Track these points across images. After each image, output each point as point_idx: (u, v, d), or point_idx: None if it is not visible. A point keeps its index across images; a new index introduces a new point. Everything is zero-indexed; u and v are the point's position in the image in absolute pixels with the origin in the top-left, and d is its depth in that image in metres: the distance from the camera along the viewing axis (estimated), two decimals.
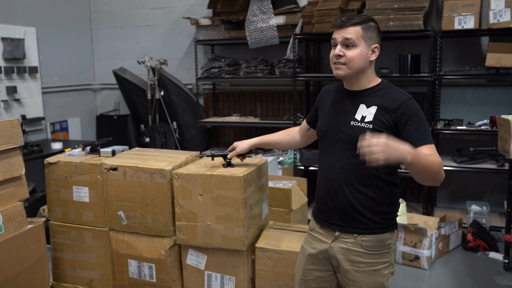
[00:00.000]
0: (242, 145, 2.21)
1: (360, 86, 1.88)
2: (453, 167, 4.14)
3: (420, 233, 3.51)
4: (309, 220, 2.19)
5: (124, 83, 5.09)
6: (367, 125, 1.81)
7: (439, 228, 3.70)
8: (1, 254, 2.16)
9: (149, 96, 5.01)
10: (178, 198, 2.26)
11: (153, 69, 4.97)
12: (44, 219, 2.50)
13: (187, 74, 5.28)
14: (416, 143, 1.73)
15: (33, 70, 4.72)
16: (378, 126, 1.80)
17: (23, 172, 2.35)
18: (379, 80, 1.90)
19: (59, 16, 5.15)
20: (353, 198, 1.84)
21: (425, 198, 4.22)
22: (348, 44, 1.81)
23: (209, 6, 4.82)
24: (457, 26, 3.92)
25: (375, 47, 1.85)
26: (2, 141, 2.21)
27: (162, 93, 4.99)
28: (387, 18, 3.98)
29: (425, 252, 3.52)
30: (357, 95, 1.89)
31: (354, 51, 1.81)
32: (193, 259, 2.33)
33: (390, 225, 1.89)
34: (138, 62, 4.96)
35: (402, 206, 3.75)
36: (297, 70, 4.47)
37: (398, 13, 3.96)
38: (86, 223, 2.52)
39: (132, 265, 2.42)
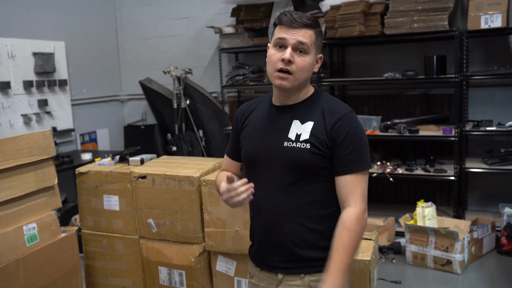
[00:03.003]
0: None
1: (295, 99, 1.59)
2: (483, 169, 4.05)
3: (452, 237, 3.45)
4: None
5: (150, 93, 5.18)
6: (303, 145, 1.52)
7: (471, 231, 3.63)
8: (37, 262, 2.22)
9: (175, 105, 5.07)
10: (206, 204, 2.28)
11: (178, 79, 5.04)
12: (77, 227, 2.56)
13: (212, 83, 5.33)
14: (343, 170, 1.51)
15: (63, 83, 4.83)
16: (316, 145, 1.52)
17: (56, 182, 2.41)
18: (313, 89, 1.63)
19: (86, 30, 5.27)
20: (294, 235, 1.54)
21: (455, 201, 4.14)
22: (301, 49, 1.51)
23: (232, 15, 4.86)
24: (483, 26, 3.85)
25: (320, 57, 1.59)
26: (36, 152, 2.27)
27: (187, 102, 5.04)
28: (411, 20, 3.94)
29: (457, 256, 3.45)
30: (288, 110, 1.59)
31: (305, 59, 1.52)
32: (223, 266, 2.34)
33: None
34: (163, 72, 5.03)
35: (432, 210, 3.69)
36: (322, 75, 4.46)
37: (422, 14, 3.92)
38: (117, 231, 2.56)
39: (163, 272, 2.45)
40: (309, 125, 1.54)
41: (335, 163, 1.52)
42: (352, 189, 1.51)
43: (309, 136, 1.52)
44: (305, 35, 1.50)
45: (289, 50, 1.50)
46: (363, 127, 1.61)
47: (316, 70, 1.59)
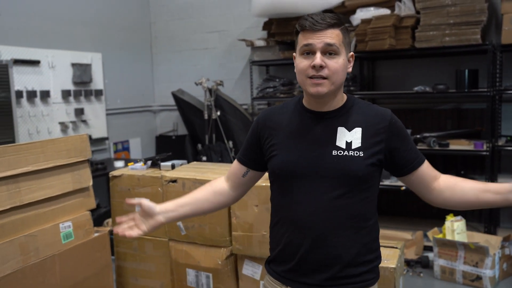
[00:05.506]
0: (151, 207, 1.64)
1: (333, 105, 1.51)
2: None
3: (482, 252, 3.39)
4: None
5: (182, 104, 5.30)
6: (356, 153, 1.44)
7: (502, 247, 3.56)
8: (71, 259, 2.31)
9: (206, 116, 5.17)
10: (234, 208, 2.33)
11: (209, 90, 5.14)
12: (109, 228, 2.64)
13: (243, 95, 5.42)
14: (415, 165, 1.50)
15: (98, 93, 5.01)
16: (370, 152, 1.45)
17: (91, 183, 2.50)
18: (345, 95, 1.56)
19: (122, 42, 5.47)
20: (343, 250, 1.46)
21: (486, 217, 4.07)
22: (330, 51, 1.41)
23: (264, 28, 4.95)
24: None
25: (351, 56, 1.50)
26: (73, 154, 2.37)
27: (218, 113, 5.13)
28: (443, 33, 3.94)
29: (488, 272, 3.39)
30: (330, 117, 1.50)
31: (337, 60, 1.42)
32: (249, 269, 2.38)
33: (377, 272, 1.58)
34: (195, 83, 5.14)
35: (461, 224, 3.64)
36: (351, 88, 4.48)
37: (454, 28, 3.91)
38: (147, 234, 2.62)
39: (190, 274, 2.50)
40: (358, 131, 1.47)
41: (401, 163, 1.50)
42: (432, 170, 1.53)
43: (361, 144, 1.45)
44: (332, 36, 1.41)
45: (318, 55, 1.40)
46: None
47: (350, 70, 1.50)
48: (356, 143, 1.46)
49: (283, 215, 1.55)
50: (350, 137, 1.46)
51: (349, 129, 1.48)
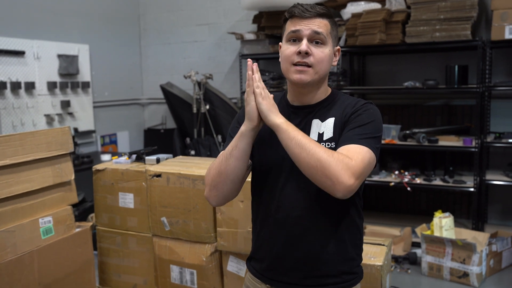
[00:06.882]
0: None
1: (316, 98, 1.47)
2: (505, 182, 3.97)
3: (469, 249, 3.38)
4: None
5: (171, 97, 5.23)
6: (327, 144, 1.39)
7: (489, 244, 3.55)
8: (51, 255, 2.26)
9: (194, 110, 5.11)
10: None
11: (199, 84, 5.09)
12: (91, 223, 2.59)
13: (232, 88, 5.36)
14: (344, 143, 1.34)
15: (85, 85, 4.93)
16: None
17: (73, 177, 2.45)
18: (330, 89, 1.51)
19: (110, 34, 5.38)
20: (320, 246, 1.42)
21: (474, 214, 4.06)
22: (317, 40, 1.39)
23: (254, 21, 4.90)
24: (508, 36, 3.80)
25: (337, 50, 1.48)
26: (54, 147, 2.31)
27: (207, 107, 5.08)
28: (433, 29, 3.91)
29: (475, 268, 3.38)
30: (308, 110, 1.47)
31: (324, 50, 1.40)
32: (234, 266, 2.34)
33: (360, 272, 1.53)
34: (184, 76, 5.08)
35: (449, 220, 3.63)
36: (341, 83, 4.45)
37: (445, 24, 3.89)
38: (130, 229, 2.58)
39: (174, 270, 2.46)
40: (330, 121, 1.42)
41: (339, 141, 1.36)
42: (354, 152, 1.31)
43: (333, 134, 1.40)
44: (320, 25, 1.39)
45: (305, 41, 1.38)
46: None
47: (335, 63, 1.47)
48: (328, 134, 1.41)
49: (260, 211, 1.52)
50: (322, 128, 1.43)
51: (323, 120, 1.44)
